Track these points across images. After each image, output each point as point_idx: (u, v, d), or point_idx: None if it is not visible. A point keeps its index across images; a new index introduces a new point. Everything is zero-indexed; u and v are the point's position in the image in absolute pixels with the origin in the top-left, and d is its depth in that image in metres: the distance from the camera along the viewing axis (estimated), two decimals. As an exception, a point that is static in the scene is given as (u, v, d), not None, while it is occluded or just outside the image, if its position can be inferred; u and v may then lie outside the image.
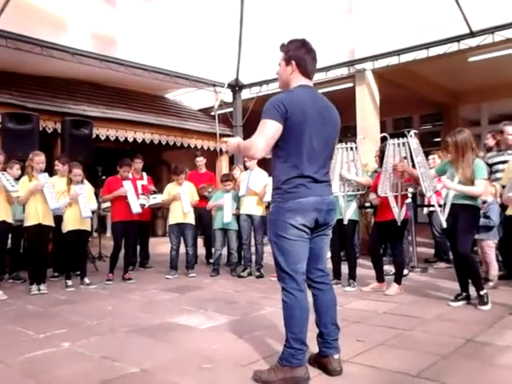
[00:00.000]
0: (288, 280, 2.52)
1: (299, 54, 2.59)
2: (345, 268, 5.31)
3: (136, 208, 5.97)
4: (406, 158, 4.72)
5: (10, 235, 5.66)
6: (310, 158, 2.52)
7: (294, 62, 2.58)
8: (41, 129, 7.34)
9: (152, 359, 3.00)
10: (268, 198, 6.03)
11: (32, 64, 7.97)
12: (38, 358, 3.09)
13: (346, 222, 5.08)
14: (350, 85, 9.48)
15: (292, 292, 2.50)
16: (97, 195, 6.30)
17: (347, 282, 5.17)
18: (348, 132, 9.37)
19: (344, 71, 9.00)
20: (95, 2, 7.72)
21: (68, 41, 7.71)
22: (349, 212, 5.11)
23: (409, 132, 4.75)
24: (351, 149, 5.13)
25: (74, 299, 5.03)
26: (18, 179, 5.52)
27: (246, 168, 6.55)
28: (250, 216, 6.22)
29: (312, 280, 2.67)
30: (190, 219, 6.41)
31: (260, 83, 10.09)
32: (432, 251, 7.16)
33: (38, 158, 5.35)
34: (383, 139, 5.14)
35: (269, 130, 2.46)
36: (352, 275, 5.19)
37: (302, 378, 2.49)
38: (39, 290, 5.30)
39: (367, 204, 6.91)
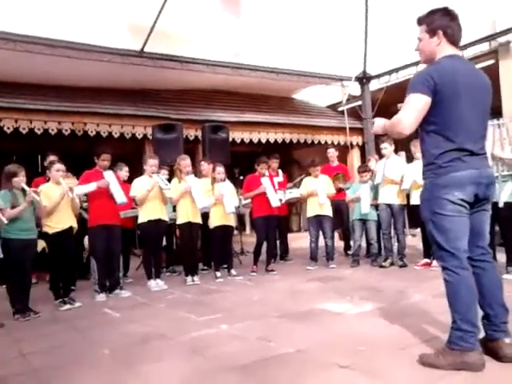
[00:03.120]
0: (449, 258, 2.39)
1: (445, 22, 2.46)
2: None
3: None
4: None
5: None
6: (465, 129, 2.38)
7: (440, 32, 2.46)
8: (184, 136, 8.00)
9: (305, 341, 3.08)
10: (406, 186, 5.82)
11: (172, 79, 8.75)
12: (201, 337, 3.37)
13: (501, 205, 4.65)
14: (491, 62, 8.66)
15: (454, 270, 2.36)
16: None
17: (505, 269, 4.73)
18: (491, 115, 8.57)
19: (484, 47, 8.26)
20: (220, 16, 8.15)
21: (202, 54, 8.31)
22: (504, 194, 4.68)
23: None
24: (502, 125, 4.71)
25: (224, 289, 5.38)
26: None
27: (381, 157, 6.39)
28: (388, 205, 6.04)
29: (472, 259, 2.48)
30: (328, 211, 6.43)
31: (389, 72, 9.76)
32: None
33: (185, 162, 5.85)
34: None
35: (416, 105, 2.37)
36: (511, 261, 4.74)
37: (475, 364, 2.30)
38: (193, 281, 5.77)
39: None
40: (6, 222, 4.19)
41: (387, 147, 6.08)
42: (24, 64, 7.09)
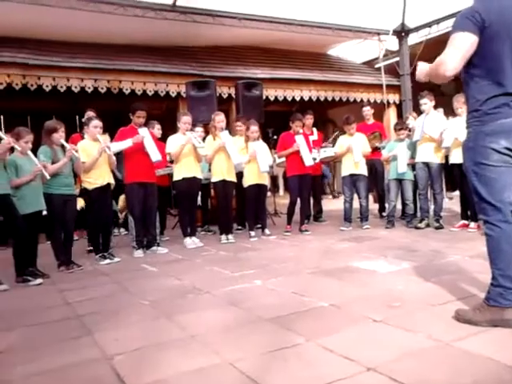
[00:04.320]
0: (492, 211, 2.29)
1: None
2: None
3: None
4: None
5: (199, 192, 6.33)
6: None
7: None
8: (217, 94, 7.94)
9: (339, 296, 3.10)
10: (447, 143, 5.63)
11: (205, 35, 8.62)
12: (236, 291, 3.44)
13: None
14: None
15: (497, 224, 2.27)
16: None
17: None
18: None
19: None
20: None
21: (234, 8, 8.12)
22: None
23: None
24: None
25: (258, 247, 5.45)
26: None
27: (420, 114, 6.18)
28: (426, 164, 5.87)
29: None
30: (363, 170, 6.33)
31: (429, 24, 9.31)
32: None
33: (219, 118, 5.83)
34: None
35: (462, 44, 2.22)
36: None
37: None
38: (228, 239, 5.86)
39: None
40: (48, 177, 4.32)
41: (427, 102, 5.85)
42: (60, 21, 7.12)
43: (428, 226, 5.96)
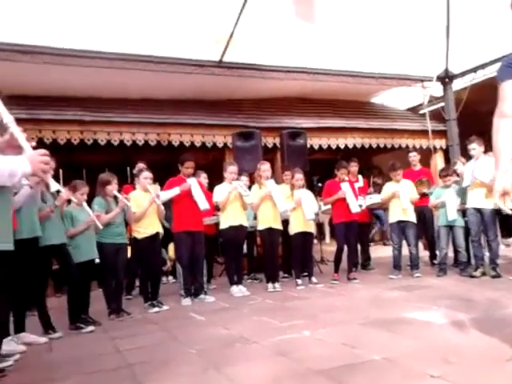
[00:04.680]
0: None
1: None
2: None
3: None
4: None
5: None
6: None
7: None
8: (262, 144, 8.12)
9: (392, 349, 2.98)
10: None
11: (250, 88, 8.92)
12: (284, 342, 3.38)
13: None
14: None
15: None
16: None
17: None
18: None
19: None
20: (295, 22, 8.18)
21: (279, 61, 8.42)
22: None
23: None
24: None
25: (306, 296, 5.36)
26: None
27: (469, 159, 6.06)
28: (478, 210, 5.68)
29: None
30: (411, 217, 6.19)
31: (474, 69, 9.24)
32: None
33: (264, 167, 5.94)
34: None
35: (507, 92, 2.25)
36: None
37: None
38: (274, 287, 5.81)
39: None
40: (101, 227, 4.51)
41: (476, 148, 5.73)
42: (113, 80, 7.61)
43: (484, 274, 5.69)
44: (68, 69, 6.97)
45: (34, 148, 2.04)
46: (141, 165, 6.12)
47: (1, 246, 1.83)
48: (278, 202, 5.78)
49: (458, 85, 9.84)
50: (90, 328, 4.26)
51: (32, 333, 3.97)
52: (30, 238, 3.81)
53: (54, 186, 2.13)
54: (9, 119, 2.00)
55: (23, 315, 3.97)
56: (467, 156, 6.20)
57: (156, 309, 5.03)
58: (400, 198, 6.11)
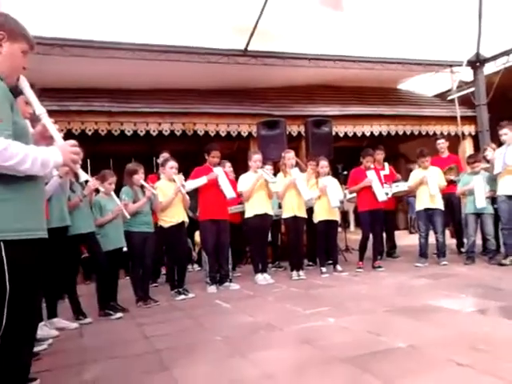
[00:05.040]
0: None
1: None
2: None
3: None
4: None
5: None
6: None
7: None
8: (287, 133, 8.08)
9: (418, 337, 2.96)
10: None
11: (275, 76, 8.88)
12: (308, 329, 3.39)
13: None
14: None
15: None
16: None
17: None
18: None
19: None
20: (320, 10, 8.06)
21: (304, 49, 8.34)
22: None
23: None
24: None
25: (330, 284, 5.36)
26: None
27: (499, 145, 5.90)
28: (510, 197, 5.54)
29: None
30: (439, 204, 6.09)
31: (507, 52, 8.94)
32: None
33: (289, 155, 5.93)
34: None
35: None
36: None
37: None
38: (299, 275, 5.82)
39: None
40: (128, 216, 4.59)
41: (507, 133, 5.58)
42: (139, 71, 7.68)
43: (513, 262, 5.58)
44: (95, 61, 7.08)
45: (64, 139, 2.10)
46: (165, 154, 6.18)
47: (38, 233, 1.89)
48: (303, 191, 5.76)
49: (489, 69, 9.55)
50: (119, 314, 4.37)
51: (63, 318, 4.11)
52: (60, 227, 3.91)
53: (83, 176, 2.18)
54: (41, 111, 2.06)
55: (55, 301, 4.10)
56: (498, 142, 6.05)
57: (182, 296, 5.11)
58: (428, 185, 6.01)
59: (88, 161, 7.24)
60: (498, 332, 2.94)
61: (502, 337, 2.82)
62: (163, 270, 6.49)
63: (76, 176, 3.12)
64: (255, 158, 5.87)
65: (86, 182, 4.30)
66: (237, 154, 9.02)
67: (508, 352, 2.54)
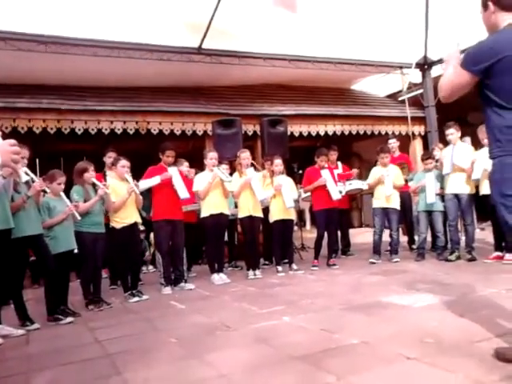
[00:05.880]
0: None
1: None
2: None
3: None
4: None
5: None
6: None
7: (490, 3, 2.33)
8: (243, 132, 8.08)
9: (370, 333, 3.02)
10: (477, 175, 5.55)
11: (230, 75, 8.86)
12: (264, 328, 3.39)
13: None
14: None
15: None
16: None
17: None
18: None
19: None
20: (274, 10, 8.10)
21: (258, 48, 8.35)
22: None
23: None
24: None
25: (286, 282, 5.39)
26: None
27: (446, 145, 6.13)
28: (456, 195, 5.78)
29: None
30: (395, 204, 6.27)
31: (452, 56, 9.29)
32: None
33: (244, 155, 5.94)
34: None
35: (455, 79, 2.32)
36: None
37: None
38: (255, 275, 5.84)
39: None
40: (79, 218, 4.44)
41: (453, 133, 5.81)
42: (89, 68, 7.46)
43: (459, 258, 5.82)
44: (44, 56, 6.81)
45: (5, 138, 2.00)
46: (111, 153, 5.99)
47: None
48: (257, 191, 5.78)
49: (436, 71, 9.91)
50: (69, 319, 4.21)
51: (8, 325, 3.91)
52: (3, 230, 3.72)
53: (24, 176, 2.08)
54: None
55: (-1, 307, 3.91)
56: (445, 142, 6.28)
57: (136, 298, 4.99)
58: (385, 184, 6.15)
59: (37, 160, 6.94)
60: (444, 326, 3.04)
61: (449, 331, 2.91)
62: (104, 274, 6.23)
63: (19, 177, 2.97)
64: (211, 155, 5.82)
65: (33, 181, 4.12)
66: (192, 153, 8.93)
67: (454, 345, 2.63)
